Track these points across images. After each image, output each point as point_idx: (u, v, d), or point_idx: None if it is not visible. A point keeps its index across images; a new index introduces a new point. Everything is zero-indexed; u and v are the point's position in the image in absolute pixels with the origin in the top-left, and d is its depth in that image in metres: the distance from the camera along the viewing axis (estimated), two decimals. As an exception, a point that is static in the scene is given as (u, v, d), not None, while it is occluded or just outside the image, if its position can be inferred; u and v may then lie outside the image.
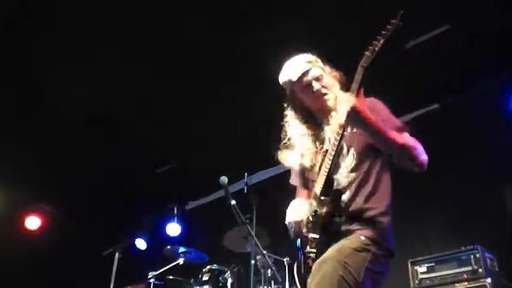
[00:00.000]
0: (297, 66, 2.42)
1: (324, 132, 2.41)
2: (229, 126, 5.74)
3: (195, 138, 6.09)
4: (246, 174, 4.35)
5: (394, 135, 2.14)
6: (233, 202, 3.89)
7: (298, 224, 2.34)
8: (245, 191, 4.29)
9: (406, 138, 2.19)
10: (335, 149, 2.18)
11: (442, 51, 4.76)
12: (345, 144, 2.31)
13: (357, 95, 2.06)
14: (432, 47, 4.71)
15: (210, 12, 4.48)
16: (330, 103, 2.38)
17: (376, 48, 1.97)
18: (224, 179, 3.80)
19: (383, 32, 1.96)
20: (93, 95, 5.44)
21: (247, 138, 5.58)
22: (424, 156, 2.19)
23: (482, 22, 4.45)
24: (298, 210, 2.37)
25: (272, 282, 4.68)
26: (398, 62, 4.84)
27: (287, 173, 2.64)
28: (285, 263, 4.68)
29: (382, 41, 1.95)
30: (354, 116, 2.06)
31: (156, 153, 6.44)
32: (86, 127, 5.85)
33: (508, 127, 4.77)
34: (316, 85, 2.38)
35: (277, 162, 2.57)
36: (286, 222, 2.42)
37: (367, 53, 2.01)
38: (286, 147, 2.51)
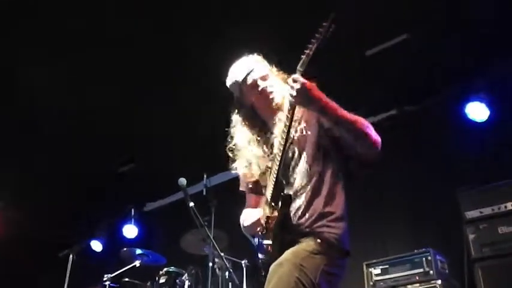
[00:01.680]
0: (242, 67, 2.41)
1: (273, 136, 2.37)
2: (188, 127, 5.72)
3: (153, 140, 6.02)
4: (205, 176, 4.34)
5: (346, 112, 2.11)
6: (191, 204, 3.88)
7: (252, 229, 2.33)
8: (204, 193, 4.28)
9: (356, 116, 2.15)
10: (282, 148, 2.16)
11: (400, 59, 4.89)
12: (296, 149, 2.29)
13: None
14: (391, 55, 4.83)
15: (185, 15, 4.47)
16: (277, 100, 2.35)
17: (311, 52, 1.97)
18: (183, 181, 3.78)
19: (316, 36, 1.96)
20: (57, 93, 5.31)
21: (206, 139, 5.56)
22: (377, 137, 2.16)
23: (441, 32, 4.60)
24: (251, 217, 2.35)
25: (230, 284, 4.69)
26: (357, 68, 4.97)
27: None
28: (243, 265, 4.70)
29: (316, 45, 1.96)
30: (304, 93, 2.02)
31: (115, 153, 6.33)
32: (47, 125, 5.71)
33: (463, 133, 4.93)
34: (262, 83, 2.36)
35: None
36: (243, 230, 2.41)
37: (303, 56, 2.01)
38: (233, 154, 2.48)
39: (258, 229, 2.30)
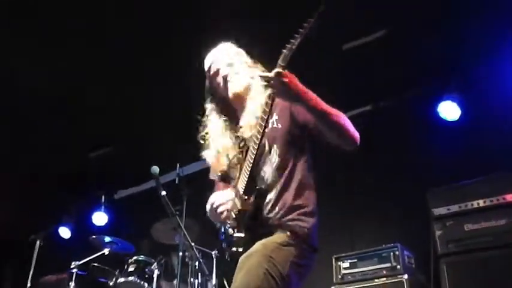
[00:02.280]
0: (209, 56, 2.45)
1: (239, 126, 2.37)
2: (163, 115, 5.66)
3: (127, 126, 5.95)
4: (178, 165, 4.30)
5: (325, 104, 2.12)
6: (163, 193, 3.85)
7: (218, 215, 2.31)
8: (176, 182, 4.25)
9: (336, 110, 2.17)
10: (258, 142, 2.14)
11: (375, 56, 4.93)
12: (267, 142, 2.28)
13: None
14: (366, 51, 4.86)
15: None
16: (236, 89, 2.35)
17: (294, 47, 1.97)
18: (155, 169, 3.74)
19: (300, 30, 1.96)
20: (25, 75, 5.18)
21: (180, 128, 5.52)
22: (354, 131, 2.18)
23: (418, 31, 4.64)
24: (219, 199, 2.32)
25: (199, 274, 4.68)
26: (333, 63, 4.98)
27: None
28: (213, 255, 4.69)
29: (299, 39, 1.96)
30: (282, 83, 2.00)
31: (87, 138, 6.23)
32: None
33: (434, 132, 5.00)
34: (223, 72, 2.39)
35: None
36: (207, 210, 2.37)
37: (284, 51, 2.00)
38: (204, 143, 2.49)
39: (224, 215, 2.28)
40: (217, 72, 2.41)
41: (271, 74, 2.01)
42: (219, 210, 2.30)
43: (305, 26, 1.95)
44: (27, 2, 4.37)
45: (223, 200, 2.31)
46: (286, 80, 2.00)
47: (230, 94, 2.39)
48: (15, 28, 4.66)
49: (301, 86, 2.06)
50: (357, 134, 2.18)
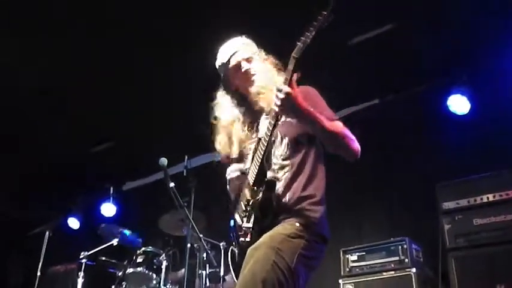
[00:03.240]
0: (227, 48, 2.44)
1: (256, 118, 2.40)
2: (172, 108, 5.67)
3: (135, 119, 5.96)
4: (186, 157, 4.31)
5: (327, 123, 2.15)
6: (172, 185, 3.86)
7: (235, 184, 2.39)
8: (184, 174, 4.26)
9: (339, 127, 2.21)
10: (268, 138, 2.17)
11: (384, 49, 4.89)
12: (278, 133, 2.31)
13: (289, 85, 2.05)
14: (375, 45, 4.83)
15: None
16: (259, 83, 2.35)
17: (308, 40, 1.98)
18: (164, 161, 3.75)
19: (314, 23, 1.97)
20: (27, 68, 5.19)
21: (188, 120, 5.53)
22: (356, 145, 2.23)
23: (426, 24, 4.60)
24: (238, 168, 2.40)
25: (207, 266, 4.70)
26: (341, 57, 4.96)
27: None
28: (221, 247, 4.70)
29: (313, 33, 1.97)
30: (289, 103, 2.04)
31: (94, 131, 6.25)
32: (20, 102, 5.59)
33: (443, 125, 4.98)
34: (245, 65, 2.39)
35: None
36: (227, 175, 2.44)
37: (299, 43, 2.02)
38: (215, 129, 2.52)
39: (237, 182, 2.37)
40: (237, 66, 2.40)
41: (282, 94, 2.02)
42: (230, 176, 2.40)
43: (319, 19, 1.96)
44: (27, 2, 4.38)
45: (233, 169, 2.41)
46: (296, 101, 2.05)
47: (254, 89, 2.35)
48: (15, 28, 4.68)
49: (305, 106, 2.09)
50: (357, 147, 2.24)
